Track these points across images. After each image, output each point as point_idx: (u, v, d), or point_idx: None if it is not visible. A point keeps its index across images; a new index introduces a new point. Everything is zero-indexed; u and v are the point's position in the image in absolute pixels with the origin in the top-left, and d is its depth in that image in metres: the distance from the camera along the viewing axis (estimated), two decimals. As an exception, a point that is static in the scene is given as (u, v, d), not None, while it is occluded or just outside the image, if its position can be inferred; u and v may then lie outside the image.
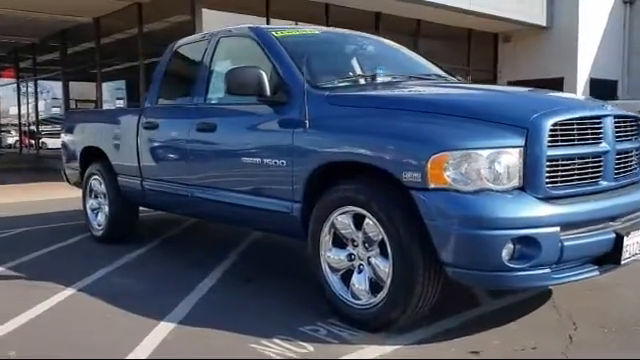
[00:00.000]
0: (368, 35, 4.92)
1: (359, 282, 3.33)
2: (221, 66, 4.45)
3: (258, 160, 3.81)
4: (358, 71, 4.20)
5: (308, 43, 4.24)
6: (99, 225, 5.82)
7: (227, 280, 4.39)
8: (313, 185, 3.53)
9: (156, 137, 4.88)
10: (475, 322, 3.45)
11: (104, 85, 14.84)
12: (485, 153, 2.85)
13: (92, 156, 5.91)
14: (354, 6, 12.85)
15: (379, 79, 3.99)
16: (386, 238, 3.10)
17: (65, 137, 6.48)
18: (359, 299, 3.32)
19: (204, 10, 11.23)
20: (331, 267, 3.46)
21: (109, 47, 14.43)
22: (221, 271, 4.64)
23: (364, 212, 3.21)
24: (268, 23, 11.96)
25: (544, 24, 15.06)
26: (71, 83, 16.46)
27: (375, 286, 3.25)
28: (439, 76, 4.40)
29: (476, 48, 16.14)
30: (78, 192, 8.69)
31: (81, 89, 17.15)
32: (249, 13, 11.99)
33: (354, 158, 3.23)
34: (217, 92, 4.41)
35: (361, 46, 4.62)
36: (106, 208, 5.71)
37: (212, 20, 11.37)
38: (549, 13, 15.09)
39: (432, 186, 2.89)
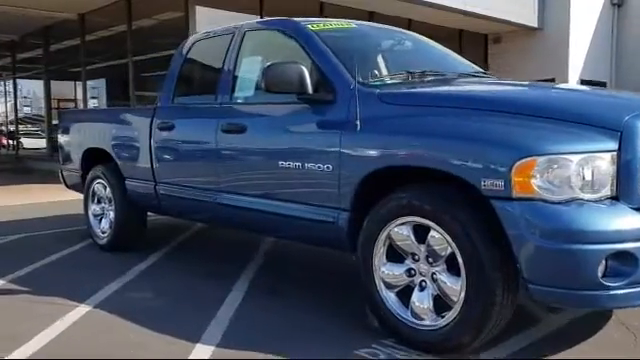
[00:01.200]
0: (402, 30, 4.56)
1: (421, 300, 2.98)
2: (249, 62, 4.07)
3: (297, 164, 3.44)
4: (402, 67, 3.83)
5: (347, 38, 3.88)
6: (103, 232, 5.38)
7: (255, 294, 4.01)
8: (364, 192, 3.17)
9: (173, 138, 4.46)
10: (544, 342, 3.12)
11: (77, 85, 14.32)
12: (576, 158, 2.53)
13: (95, 158, 5.47)
14: (349, 4, 12.52)
15: (429, 76, 3.64)
16: (458, 253, 2.76)
17: (63, 137, 6.02)
18: (421, 319, 2.97)
19: (197, 8, 10.76)
20: (385, 283, 3.10)
21: (95, 44, 13.86)
22: (245, 283, 4.26)
23: (429, 223, 2.86)
24: (262, 21, 11.56)
25: (535, 25, 14.90)
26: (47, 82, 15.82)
27: (441, 305, 2.91)
28: (485, 74, 4.07)
29: (466, 49, 15.91)
30: (72, 194, 8.21)
31: (59, 88, 16.52)
32: (243, 11, 11.58)
33: (420, 163, 2.88)
34: (245, 90, 4.03)
35: (399, 41, 4.27)
36: (111, 214, 5.27)
37: (205, 17, 10.93)
38: (540, 14, 14.95)
39: (517, 195, 2.55)
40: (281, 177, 3.59)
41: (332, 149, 3.26)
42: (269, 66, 3.36)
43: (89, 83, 15.49)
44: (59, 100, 16.37)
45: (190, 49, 4.61)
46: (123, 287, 4.21)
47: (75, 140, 5.74)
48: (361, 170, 3.12)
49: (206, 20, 10.82)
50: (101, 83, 14.72)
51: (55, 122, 16.02)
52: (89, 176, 5.46)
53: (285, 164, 3.52)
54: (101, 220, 5.47)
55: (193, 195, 4.31)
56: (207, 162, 4.14)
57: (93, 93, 16.40)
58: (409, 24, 14.20)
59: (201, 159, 4.22)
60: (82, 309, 3.72)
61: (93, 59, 13.89)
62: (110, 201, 5.29)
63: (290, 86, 3.36)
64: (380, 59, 3.98)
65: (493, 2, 13.47)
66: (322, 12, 12.45)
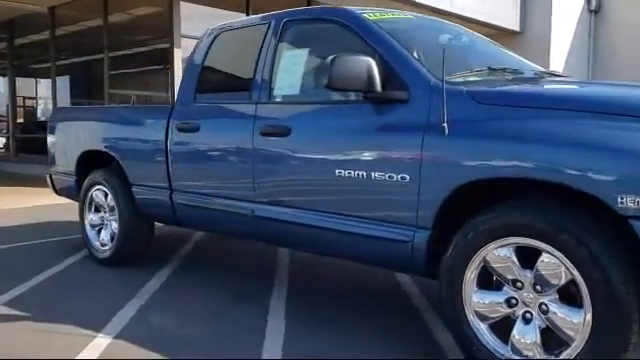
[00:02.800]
0: (453, 23, 4.11)
1: (524, 334, 2.54)
2: (292, 56, 3.54)
3: (360, 173, 2.95)
4: (467, 64, 3.36)
5: (407, 29, 3.41)
6: (103, 245, 4.77)
7: (300, 320, 3.49)
8: (450, 207, 2.70)
9: (196, 141, 3.91)
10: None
11: (45, 82, 13.42)
12: None
13: (94, 162, 4.85)
14: (337, 4, 12.02)
15: (508, 74, 3.19)
16: (581, 281, 2.31)
17: (53, 138, 5.36)
18: (524, 355, 2.51)
19: (182, 3, 10.11)
20: (478, 314, 2.64)
21: (66, 39, 13.02)
22: (282, 306, 3.74)
23: (541, 245, 2.41)
24: (248, 18, 10.99)
25: (517, 29, 14.72)
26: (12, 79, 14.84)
27: (551, 341, 2.46)
28: (554, 74, 3.65)
29: (448, 52, 15.65)
30: (43, 199, 7.60)
31: (25, 85, 15.56)
32: (229, 8, 11.00)
33: (534, 175, 2.42)
34: (287, 87, 3.50)
35: (455, 35, 3.81)
36: (114, 224, 4.67)
37: (190, 14, 10.30)
38: (522, 19, 14.79)
39: (667, 215, 2.12)
40: (337, 187, 3.09)
41: (410, 156, 2.78)
42: (334, 59, 2.85)
43: (44, 82, 14.67)
44: (24, 98, 15.40)
45: (214, 41, 4.06)
46: (140, 312, 3.64)
47: (69, 141, 5.10)
48: (451, 181, 2.64)
49: (192, 16, 10.19)
50: (64, 81, 13.79)
51: (20, 121, 15.12)
52: (86, 182, 4.84)
53: (344, 173, 3.02)
54: (100, 231, 4.86)
55: (221, 206, 3.77)
56: (241, 168, 3.61)
57: (49, 92, 15.52)
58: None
59: (233, 165, 3.68)
60: (101, 341, 3.15)
61: (64, 54, 13.03)
62: (112, 210, 4.69)
63: (356, 82, 2.87)
64: (448, 53, 3.50)
65: (481, 5, 13.22)
66: (308, 10, 11.93)
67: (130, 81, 12.59)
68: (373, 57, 2.96)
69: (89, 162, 4.91)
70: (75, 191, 5.07)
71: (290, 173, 3.35)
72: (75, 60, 13.14)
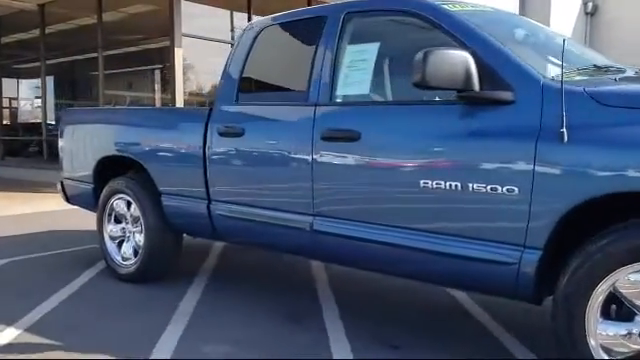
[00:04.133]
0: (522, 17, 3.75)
1: (663, 373, 2.16)
2: (359, 52, 3.15)
3: (453, 184, 2.58)
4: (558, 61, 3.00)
5: (489, 23, 3.01)
6: (125, 259, 4.33)
7: (365, 346, 3.10)
8: (568, 225, 2.34)
9: (241, 147, 3.50)
10: None
11: (32, 82, 12.82)
12: None
13: (115, 168, 4.41)
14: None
15: (611, 72, 2.84)
16: None
17: (65, 142, 4.89)
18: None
19: (183, 2, 9.64)
20: (604, 348, 2.27)
21: (57, 38, 12.45)
22: (339, 328, 3.35)
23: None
24: (250, 19, 10.60)
25: (516, 31, 14.51)
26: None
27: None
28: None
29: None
30: (51, 206, 7.13)
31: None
32: (230, 7, 10.59)
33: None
34: (354, 87, 3.11)
35: (531, 30, 3.44)
36: (137, 237, 4.23)
37: (191, 11, 9.85)
38: (521, 20, 14.58)
39: None
40: (422, 200, 2.71)
41: (519, 166, 2.41)
42: (428, 54, 2.47)
43: (32, 82, 14.08)
44: (10, 99, 14.77)
45: (258, 36, 3.64)
46: (186, 338, 3.22)
47: (84, 145, 4.65)
48: (574, 195, 2.28)
49: (193, 14, 9.74)
50: (54, 82, 13.18)
51: (6, 122, 14.49)
52: (106, 190, 4.39)
53: (431, 184, 2.64)
54: (121, 244, 4.40)
55: (270, 218, 3.36)
56: (296, 177, 3.21)
57: (37, 93, 14.92)
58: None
59: (286, 173, 3.28)
60: (152, 377, 2.71)
61: (55, 54, 12.45)
62: (136, 221, 4.25)
63: (453, 80, 2.50)
64: (534, 50, 3.14)
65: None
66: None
67: (126, 81, 12.09)
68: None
69: (109, 168, 4.45)
70: (91, 200, 4.61)
71: (359, 183, 2.96)
72: (67, 60, 12.57)
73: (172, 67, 9.50)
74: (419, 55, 2.49)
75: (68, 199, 4.94)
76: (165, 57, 10.00)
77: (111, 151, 4.35)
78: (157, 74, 11.46)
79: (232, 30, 10.81)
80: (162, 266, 4.19)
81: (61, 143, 4.88)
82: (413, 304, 3.90)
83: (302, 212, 3.20)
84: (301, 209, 3.20)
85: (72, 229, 6.47)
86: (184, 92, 9.75)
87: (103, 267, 4.66)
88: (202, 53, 10.62)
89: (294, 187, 3.24)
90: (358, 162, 2.94)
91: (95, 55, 11.03)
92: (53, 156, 12.24)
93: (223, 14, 10.67)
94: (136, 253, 4.26)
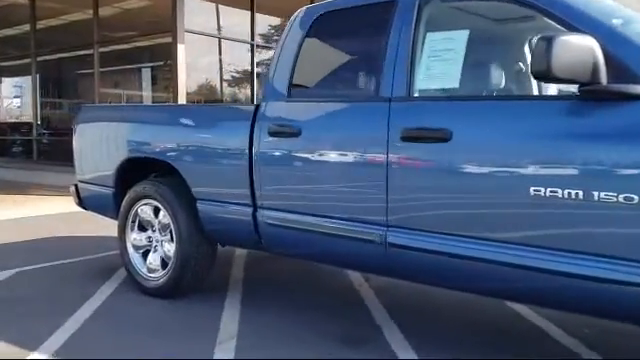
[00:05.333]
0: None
1: None
2: (442, 40, 2.75)
3: (575, 193, 2.18)
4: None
5: (595, 9, 2.64)
6: (151, 271, 3.89)
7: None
8: None
9: (297, 149, 3.09)
10: None
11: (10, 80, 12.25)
12: None
13: (139, 171, 3.97)
14: (343, 0, 11.31)
15: None
16: None
17: (81, 142, 4.43)
18: None
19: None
20: None
21: (48, 33, 11.90)
22: (408, 350, 2.95)
23: None
24: (253, 17, 10.20)
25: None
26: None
27: None
28: None
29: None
30: (54, 208, 6.68)
31: None
32: (233, 5, 10.16)
33: None
34: (439, 80, 2.72)
35: (626, 18, 3.07)
36: (166, 246, 3.80)
37: (194, 6, 9.40)
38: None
39: None
40: (533, 211, 2.33)
41: (662, 172, 2.03)
42: (554, 40, 2.09)
43: (19, 80, 13.57)
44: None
45: (314, 24, 3.23)
46: (240, 365, 2.80)
47: (105, 146, 4.19)
48: None
49: (196, 9, 9.29)
50: (45, 79, 12.60)
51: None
52: (130, 195, 3.95)
53: (544, 192, 2.26)
54: (146, 254, 3.96)
55: (331, 228, 2.96)
56: (367, 182, 2.82)
57: (16, 92, 14.38)
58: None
59: (354, 178, 2.89)
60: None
61: (46, 50, 11.89)
62: (164, 229, 3.82)
63: (581, 71, 2.12)
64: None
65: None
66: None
67: (124, 79, 11.58)
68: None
69: (131, 171, 4.01)
70: (110, 205, 4.17)
71: (450, 190, 2.57)
72: (59, 56, 12.01)
73: (175, 64, 9.03)
74: (542, 41, 2.11)
75: (82, 204, 4.48)
76: (167, 54, 9.53)
77: (137, 152, 3.91)
78: (158, 72, 10.99)
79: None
80: (195, 279, 3.76)
81: (76, 143, 4.43)
82: (475, 320, 3.52)
83: (372, 222, 2.81)
84: (371, 219, 2.81)
85: (78, 235, 6.02)
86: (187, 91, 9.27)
87: (123, 279, 4.23)
88: (202, 50, 10.17)
89: (363, 194, 2.85)
90: (449, 166, 2.56)
91: (91, 52, 10.49)
92: (43, 157, 11.70)
93: (227, 11, 10.24)
94: (164, 264, 3.83)
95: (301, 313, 3.56)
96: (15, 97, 14.37)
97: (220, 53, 10.61)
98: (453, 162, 2.54)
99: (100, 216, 4.59)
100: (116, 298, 3.86)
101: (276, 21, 11.20)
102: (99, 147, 4.24)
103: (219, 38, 10.25)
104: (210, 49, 10.36)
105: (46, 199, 8.73)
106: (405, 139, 2.66)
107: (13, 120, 13.82)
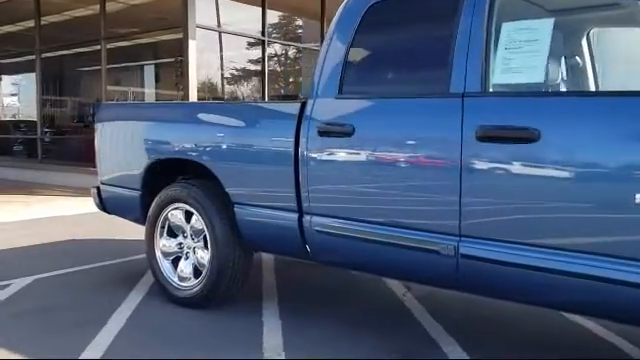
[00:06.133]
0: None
1: None
2: (523, 30, 2.46)
3: None
4: None
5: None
6: (182, 279, 3.62)
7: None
8: None
9: (352, 150, 2.82)
10: None
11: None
12: None
13: (169, 173, 3.69)
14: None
15: None
16: None
17: (103, 142, 4.15)
18: None
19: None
20: None
21: (53, 29, 11.57)
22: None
23: None
24: (264, 13, 9.90)
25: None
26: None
27: None
28: None
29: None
30: (63, 209, 6.40)
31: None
32: (243, 1, 9.87)
33: None
34: (521, 73, 2.44)
35: None
36: (199, 253, 3.53)
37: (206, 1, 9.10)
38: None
39: None
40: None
41: None
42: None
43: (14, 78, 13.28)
44: (-1, 94, 13.83)
45: (367, 14, 2.94)
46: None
47: (131, 146, 3.90)
48: None
49: (207, 4, 8.99)
50: (49, 76, 12.25)
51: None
52: (160, 198, 3.67)
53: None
54: (177, 261, 3.68)
55: (393, 238, 2.68)
56: (436, 188, 2.55)
57: (19, 89, 14.06)
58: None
59: (421, 183, 2.61)
60: None
61: (51, 46, 11.55)
62: (197, 235, 3.54)
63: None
64: None
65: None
66: (323, 6, 10.86)
67: (132, 76, 11.28)
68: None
69: (161, 174, 3.73)
70: (136, 209, 3.89)
71: (539, 196, 2.29)
72: (64, 53, 11.68)
73: (186, 60, 8.72)
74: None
75: (104, 207, 4.19)
76: (177, 50, 9.23)
77: (167, 153, 3.63)
78: (168, 68, 10.70)
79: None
80: (231, 289, 3.49)
81: (98, 143, 4.14)
82: (541, 332, 3.26)
83: (442, 232, 2.53)
84: (441, 228, 2.54)
85: (92, 238, 5.74)
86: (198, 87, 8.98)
87: (149, 286, 3.97)
88: (212, 46, 9.88)
89: (431, 200, 2.58)
90: (536, 169, 2.28)
91: (98, 48, 10.17)
92: (48, 156, 11.39)
93: (237, 7, 9.95)
94: (197, 273, 3.56)
95: (348, 326, 3.29)
96: (17, 95, 14.06)
97: (230, 49, 10.31)
98: (541, 165, 2.27)
99: (116, 218, 4.33)
100: (146, 308, 3.59)
101: (287, 17, 10.94)
102: (124, 147, 3.96)
103: (230, 34, 9.94)
104: (220, 45, 10.07)
105: (55, 200, 8.44)
106: (482, 139, 2.39)
107: (17, 118, 13.48)
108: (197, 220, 3.52)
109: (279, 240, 3.22)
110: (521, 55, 2.38)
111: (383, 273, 3.07)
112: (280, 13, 10.64)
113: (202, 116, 3.60)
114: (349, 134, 2.80)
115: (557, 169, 2.24)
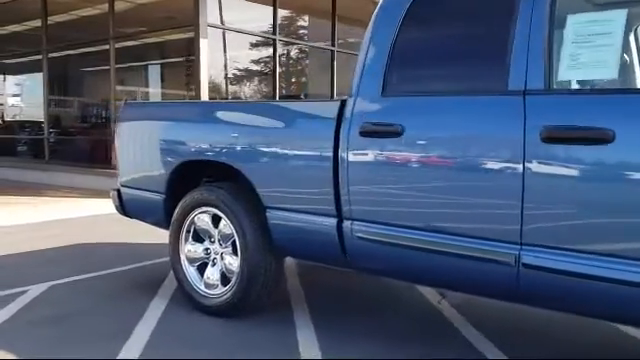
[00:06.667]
0: None
1: None
2: (592, 23, 2.28)
3: None
4: None
5: None
6: (209, 286, 3.44)
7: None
8: None
9: (401, 151, 2.63)
10: None
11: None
12: None
13: (194, 176, 3.52)
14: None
15: None
16: None
17: (127, 142, 3.96)
18: None
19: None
20: None
21: (60, 28, 11.39)
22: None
23: None
24: (275, 12, 9.72)
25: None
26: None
27: None
28: None
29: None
30: (71, 212, 6.21)
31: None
32: (253, 0, 9.69)
33: None
34: (591, 69, 2.25)
35: None
36: (229, 259, 3.35)
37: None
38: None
39: None
40: None
41: None
42: None
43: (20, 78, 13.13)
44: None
45: (414, 5, 2.75)
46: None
47: (155, 147, 3.71)
48: None
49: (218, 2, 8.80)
50: (56, 76, 12.02)
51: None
52: (186, 202, 3.48)
53: None
54: (202, 268, 3.50)
55: (447, 247, 2.49)
56: (495, 193, 2.37)
57: (15, 90, 13.89)
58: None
59: (478, 188, 2.42)
60: None
61: (58, 46, 11.36)
62: (225, 240, 3.36)
63: None
64: None
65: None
66: (334, 3, 10.69)
67: (141, 76, 11.10)
68: None
69: (187, 176, 3.55)
70: (160, 213, 3.71)
71: (617, 202, 2.10)
72: (71, 52, 11.49)
73: (197, 60, 8.54)
74: None
75: (124, 210, 4.01)
76: (188, 50, 9.05)
77: (195, 155, 3.45)
78: (178, 68, 10.52)
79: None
80: (262, 297, 3.31)
81: (119, 143, 3.95)
82: (593, 343, 3.07)
83: (501, 240, 2.35)
84: (499, 235, 2.35)
85: (104, 241, 5.56)
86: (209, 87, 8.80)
87: (172, 292, 3.79)
88: (222, 45, 9.71)
89: (489, 205, 2.39)
90: (612, 172, 2.10)
91: (106, 47, 9.98)
92: (55, 157, 11.21)
93: (246, 5, 9.77)
94: (225, 280, 3.38)
95: (389, 338, 3.10)
96: (23, 95, 13.88)
97: (240, 49, 10.13)
98: (615, 168, 2.08)
99: (126, 221, 4.17)
100: (171, 317, 3.41)
101: (297, 15, 10.77)
102: (148, 148, 3.77)
103: (241, 32, 9.76)
104: (231, 44, 9.90)
105: (63, 201, 8.25)
106: (547, 140, 2.21)
107: (23, 119, 13.29)
108: (226, 225, 3.34)
109: (314, 246, 3.03)
110: (591, 49, 2.20)
111: (432, 283, 2.88)
112: (290, 12, 10.46)
113: (234, 116, 3.42)
114: (398, 134, 2.61)
115: (634, 172, 2.05)
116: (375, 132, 2.69)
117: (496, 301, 2.75)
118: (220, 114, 3.50)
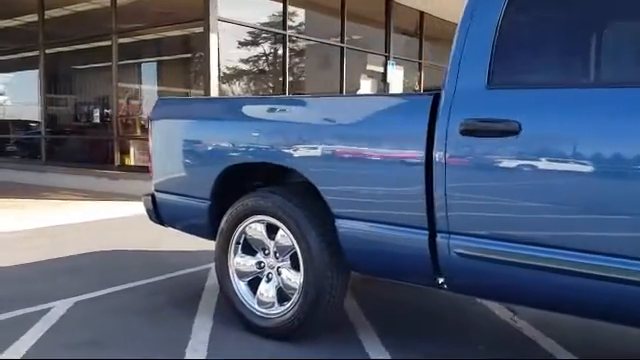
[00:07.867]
0: None
1: None
2: None
3: None
4: None
5: None
6: (262, 304, 3.00)
7: None
8: None
9: (518, 153, 2.21)
10: None
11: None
12: None
13: (243, 181, 3.08)
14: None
15: None
16: None
17: (163, 142, 3.51)
18: None
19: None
20: None
21: (59, 23, 10.84)
22: None
23: None
24: (285, 9, 9.27)
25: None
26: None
27: None
28: None
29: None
30: (77, 215, 5.79)
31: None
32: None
33: None
34: None
35: None
36: (286, 274, 2.93)
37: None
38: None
39: None
40: None
41: None
42: None
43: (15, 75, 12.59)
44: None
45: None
46: None
47: (198, 148, 3.27)
48: None
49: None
50: (54, 73, 11.43)
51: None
52: (236, 209, 3.04)
53: None
54: (257, 283, 3.05)
55: (579, 265, 2.08)
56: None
57: (21, 87, 13.30)
58: (421, 17, 12.43)
59: (620, 198, 2.00)
60: None
61: (55, 41, 10.81)
62: (283, 253, 2.93)
63: None
64: None
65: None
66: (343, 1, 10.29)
67: (147, 73, 10.58)
68: None
69: (236, 181, 3.11)
70: (204, 221, 3.27)
71: None
72: (71, 48, 10.93)
73: (207, 55, 8.07)
74: None
75: (160, 218, 3.55)
76: (197, 45, 8.57)
77: (249, 157, 3.00)
78: (187, 64, 10.04)
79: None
80: (326, 319, 2.87)
81: (154, 144, 3.49)
82: None
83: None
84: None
85: (122, 248, 5.09)
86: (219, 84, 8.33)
87: (214, 308, 3.37)
88: (233, 40, 9.24)
89: (632, 216, 1.97)
90: None
91: (109, 43, 9.46)
92: (52, 157, 10.68)
93: (261, 3, 9.34)
94: (282, 298, 2.95)
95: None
96: (18, 93, 13.28)
97: (250, 44, 9.68)
98: None
99: (141, 224, 3.73)
100: (222, 340, 2.98)
101: (308, 11, 10.35)
102: (190, 149, 3.32)
103: (252, 28, 9.31)
104: (241, 39, 9.44)
105: (66, 204, 7.78)
106: None
107: (18, 118, 12.69)
108: (283, 235, 2.90)
109: (398, 263, 2.61)
110: None
111: (553, 307, 2.44)
112: (300, 7, 10.02)
113: (296, 112, 2.98)
114: (513, 133, 2.19)
115: None
116: (482, 130, 2.27)
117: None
118: (280, 111, 3.05)
